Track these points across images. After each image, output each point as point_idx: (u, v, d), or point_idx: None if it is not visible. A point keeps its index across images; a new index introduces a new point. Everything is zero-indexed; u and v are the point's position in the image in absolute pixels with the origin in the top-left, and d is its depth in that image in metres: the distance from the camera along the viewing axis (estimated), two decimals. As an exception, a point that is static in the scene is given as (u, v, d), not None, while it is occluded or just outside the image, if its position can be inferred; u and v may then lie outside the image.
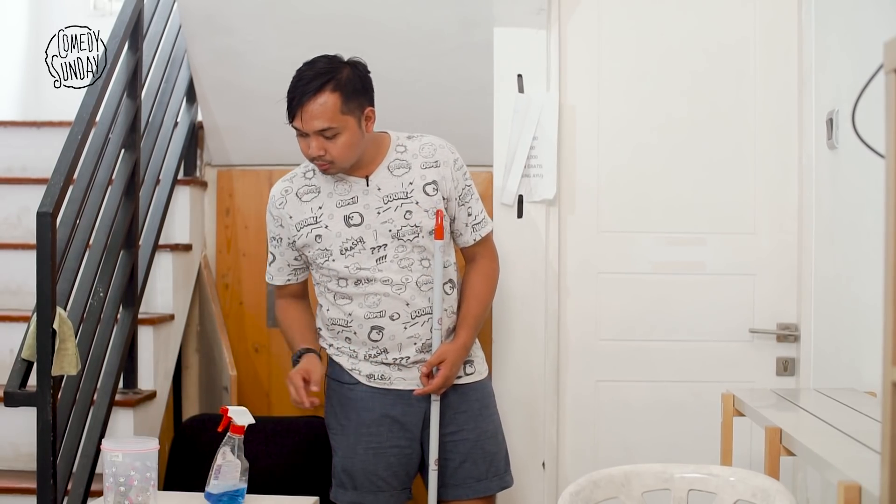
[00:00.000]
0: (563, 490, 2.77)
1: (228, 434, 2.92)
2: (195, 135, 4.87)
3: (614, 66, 4.25)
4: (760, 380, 4.14)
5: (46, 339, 3.32)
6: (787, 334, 4.15)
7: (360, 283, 3.36)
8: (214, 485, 2.91)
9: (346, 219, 3.35)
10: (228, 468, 2.91)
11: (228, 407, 2.95)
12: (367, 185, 3.37)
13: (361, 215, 3.35)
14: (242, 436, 2.93)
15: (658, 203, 4.22)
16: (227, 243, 4.89)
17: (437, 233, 3.35)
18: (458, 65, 4.40)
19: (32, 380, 3.38)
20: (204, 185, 4.89)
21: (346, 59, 3.36)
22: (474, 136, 4.37)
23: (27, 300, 4.03)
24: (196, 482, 3.83)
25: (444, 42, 4.35)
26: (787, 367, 4.16)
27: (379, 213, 3.35)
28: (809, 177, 4.00)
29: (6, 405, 3.37)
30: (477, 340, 3.56)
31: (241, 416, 2.92)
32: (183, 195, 4.72)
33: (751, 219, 4.20)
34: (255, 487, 3.17)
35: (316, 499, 3.11)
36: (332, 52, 4.40)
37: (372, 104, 3.35)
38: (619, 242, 4.23)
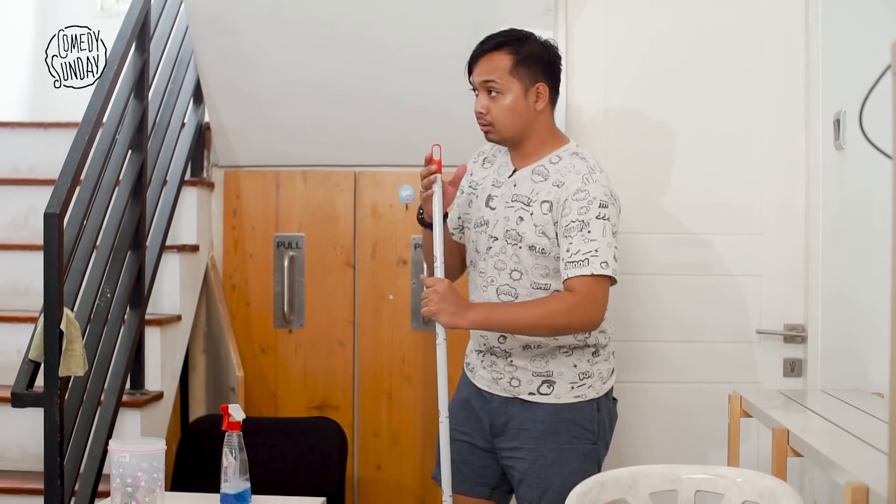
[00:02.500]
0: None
1: (227, 433, 2.93)
2: (202, 136, 4.87)
3: (621, 67, 4.25)
4: (767, 381, 4.14)
5: (54, 339, 3.32)
6: (794, 335, 4.15)
7: (472, 265, 3.43)
8: (226, 486, 2.93)
9: (488, 199, 3.37)
10: (233, 468, 2.93)
11: (228, 405, 2.96)
12: (510, 176, 3.35)
13: (496, 202, 3.35)
14: (240, 431, 2.95)
15: (665, 203, 4.22)
16: (234, 244, 4.89)
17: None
18: (465, 65, 4.40)
19: (40, 380, 3.39)
20: (211, 185, 4.89)
21: (541, 38, 3.36)
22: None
23: (34, 301, 4.03)
24: (203, 483, 3.85)
25: (451, 43, 4.34)
26: (794, 367, 4.16)
27: (504, 207, 3.32)
28: (816, 177, 3.99)
29: (14, 406, 3.37)
30: (576, 364, 3.29)
31: (236, 413, 2.94)
32: (190, 196, 4.72)
33: (758, 220, 4.20)
34: (261, 488, 3.17)
35: (323, 499, 3.11)
36: (337, 55, 4.43)
37: (549, 83, 3.28)
38: (626, 243, 4.22)
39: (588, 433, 3.30)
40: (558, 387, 3.29)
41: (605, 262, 3.10)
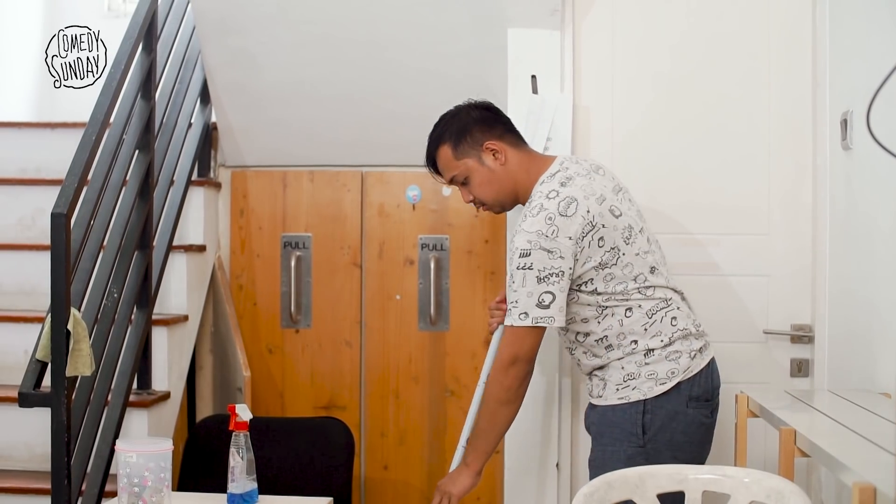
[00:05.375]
0: (577, 491, 2.77)
1: (234, 433, 2.93)
2: (209, 136, 4.88)
3: (628, 67, 4.24)
4: (774, 381, 4.13)
5: (61, 339, 3.33)
6: (802, 335, 4.14)
7: None
8: (233, 485, 2.94)
9: None
10: (240, 468, 2.93)
11: (235, 405, 2.97)
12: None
13: None
14: (247, 431, 2.95)
15: (672, 204, 4.21)
16: (241, 244, 4.90)
17: None
18: (472, 65, 4.40)
19: (47, 380, 3.39)
20: (218, 185, 4.90)
21: (462, 105, 3.55)
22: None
23: (41, 301, 4.04)
24: (210, 483, 3.85)
25: (458, 43, 4.35)
26: (801, 368, 4.15)
27: None
28: (824, 177, 3.98)
29: (21, 405, 3.38)
30: (624, 366, 3.32)
31: (243, 413, 2.95)
32: (197, 196, 4.72)
33: (765, 220, 4.19)
34: (268, 488, 3.18)
35: (330, 500, 3.12)
36: (344, 55, 4.43)
37: (493, 135, 3.43)
38: (632, 243, 4.22)
39: (631, 436, 3.29)
40: (607, 389, 3.35)
41: (525, 312, 3.22)
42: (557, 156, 3.48)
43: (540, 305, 3.21)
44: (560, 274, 3.20)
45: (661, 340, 3.29)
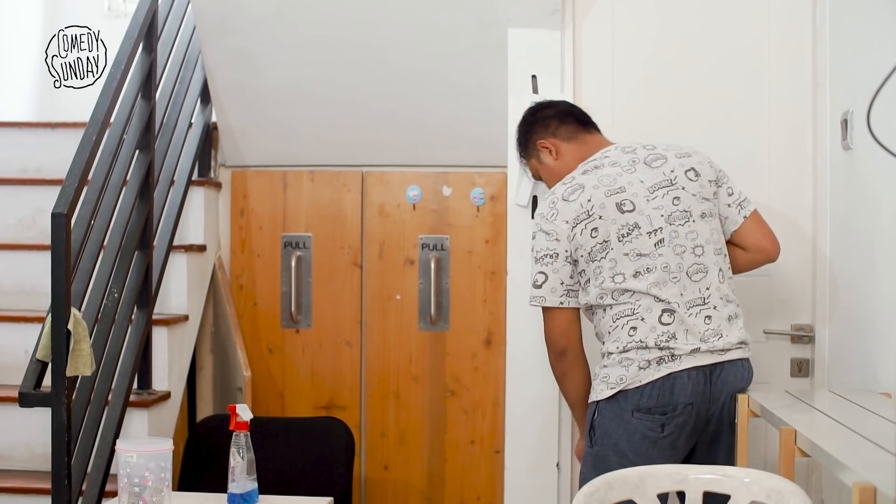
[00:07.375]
0: (577, 491, 2.76)
1: (234, 433, 2.93)
2: (209, 136, 4.87)
3: (628, 67, 4.24)
4: (775, 381, 4.13)
5: (61, 339, 3.33)
6: (802, 335, 4.14)
7: None
8: (234, 485, 2.94)
9: None
10: (240, 468, 2.94)
11: (235, 405, 2.97)
12: None
13: None
14: (247, 431, 2.95)
15: (672, 204, 4.21)
16: (241, 244, 4.90)
17: None
18: (472, 66, 4.40)
19: (47, 380, 3.40)
20: (218, 185, 4.90)
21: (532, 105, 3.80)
22: (489, 136, 4.38)
23: (42, 301, 4.04)
24: (210, 483, 3.85)
25: (458, 43, 4.35)
26: (801, 368, 4.15)
27: None
28: (824, 178, 3.98)
29: (21, 405, 3.38)
30: (595, 371, 3.43)
31: (244, 413, 2.95)
32: (197, 196, 4.72)
33: (765, 220, 4.18)
34: (269, 488, 3.18)
35: (330, 500, 3.12)
36: (344, 55, 4.43)
37: (543, 135, 3.61)
38: (633, 243, 4.22)
39: (588, 434, 3.39)
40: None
41: (531, 295, 3.43)
42: (613, 143, 3.58)
43: (534, 285, 3.40)
44: (554, 255, 3.36)
45: (618, 347, 3.30)
